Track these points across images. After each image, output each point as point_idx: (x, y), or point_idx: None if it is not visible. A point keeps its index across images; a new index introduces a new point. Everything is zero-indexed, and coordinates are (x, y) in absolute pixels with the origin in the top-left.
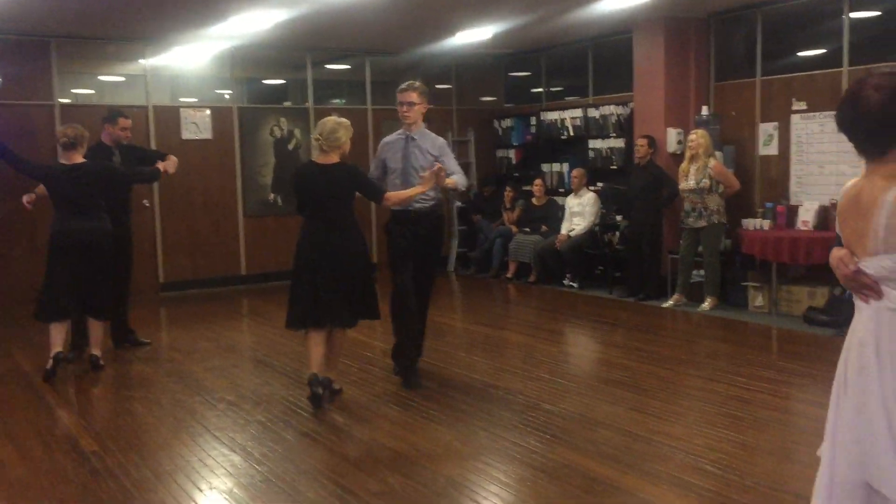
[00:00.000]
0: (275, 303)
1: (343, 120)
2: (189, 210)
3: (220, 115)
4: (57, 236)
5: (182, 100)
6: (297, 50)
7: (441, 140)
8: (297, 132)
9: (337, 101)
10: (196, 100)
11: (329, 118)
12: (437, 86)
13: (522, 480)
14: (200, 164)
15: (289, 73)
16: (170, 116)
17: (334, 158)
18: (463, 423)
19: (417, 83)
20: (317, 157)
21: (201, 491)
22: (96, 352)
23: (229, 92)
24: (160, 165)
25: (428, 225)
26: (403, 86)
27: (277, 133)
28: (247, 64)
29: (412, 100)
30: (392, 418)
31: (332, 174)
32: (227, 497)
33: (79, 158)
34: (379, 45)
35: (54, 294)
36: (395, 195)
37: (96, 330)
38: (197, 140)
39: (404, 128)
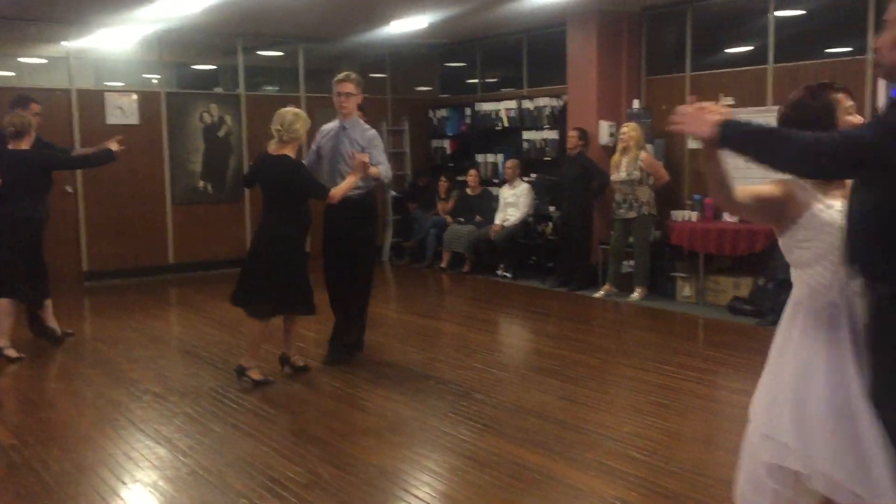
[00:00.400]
0: (204, 292)
1: (301, 112)
2: (114, 197)
3: (147, 99)
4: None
5: (107, 84)
6: (228, 35)
7: (373, 132)
8: (228, 119)
9: (270, 88)
10: (122, 84)
11: (288, 109)
12: (372, 75)
13: (453, 469)
14: (126, 151)
15: (220, 58)
16: (94, 100)
17: (286, 150)
18: (394, 413)
19: (353, 74)
20: (273, 147)
21: (125, 484)
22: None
23: (157, 76)
24: (110, 144)
25: (357, 214)
26: (340, 76)
27: (207, 119)
28: (176, 48)
29: (349, 90)
30: (323, 408)
31: (278, 165)
32: (151, 490)
33: (24, 146)
34: (312, 32)
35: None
36: (337, 191)
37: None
38: (123, 125)
39: (339, 117)
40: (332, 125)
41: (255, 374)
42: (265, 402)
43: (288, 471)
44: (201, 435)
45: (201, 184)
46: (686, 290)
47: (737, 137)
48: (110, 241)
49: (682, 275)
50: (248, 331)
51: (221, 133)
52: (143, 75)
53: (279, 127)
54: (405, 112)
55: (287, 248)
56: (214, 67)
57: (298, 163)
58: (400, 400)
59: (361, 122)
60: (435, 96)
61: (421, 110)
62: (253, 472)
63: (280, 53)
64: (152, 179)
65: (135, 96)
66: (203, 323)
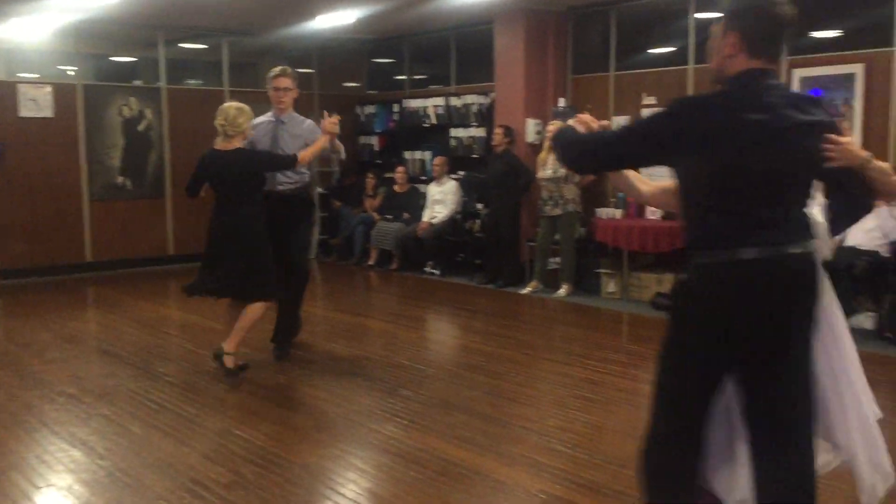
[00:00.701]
0: (124, 291)
1: (243, 105)
2: (27, 193)
3: (62, 92)
4: None
5: (20, 75)
6: (148, 27)
7: (309, 121)
8: (148, 113)
9: (193, 81)
10: (37, 75)
11: (230, 104)
12: (299, 69)
13: (380, 466)
14: (40, 144)
15: (140, 50)
16: (5, 92)
17: (236, 143)
18: (320, 411)
19: (289, 69)
20: (220, 143)
21: (38, 488)
22: None
23: (74, 68)
24: None
25: (295, 207)
26: (276, 71)
27: (127, 113)
28: (93, 39)
29: (287, 85)
30: (246, 407)
31: (235, 159)
32: (66, 493)
33: None
34: (236, 25)
35: None
36: (305, 154)
37: None
38: (37, 118)
39: (275, 112)
40: (262, 119)
41: (230, 362)
42: (186, 402)
43: (210, 471)
44: (119, 437)
45: (120, 179)
46: (611, 286)
47: (556, 144)
48: (23, 238)
49: (606, 271)
50: (251, 314)
51: (142, 127)
52: (59, 67)
53: (223, 122)
54: (332, 108)
55: (257, 236)
56: (134, 60)
57: (251, 150)
58: (326, 398)
59: (296, 115)
60: (362, 92)
61: (348, 106)
62: (173, 474)
63: (203, 46)
64: (68, 175)
65: (49, 88)
66: (122, 322)
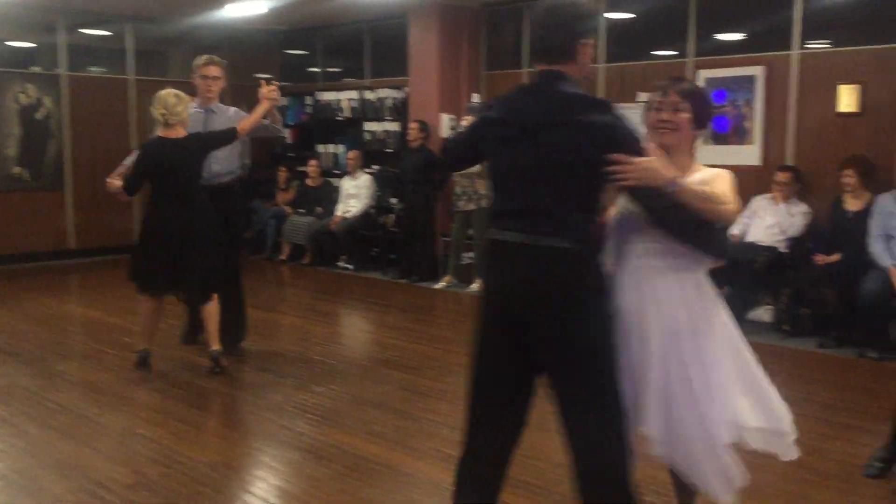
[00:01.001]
0: (20, 286)
1: (180, 93)
2: None
3: None
4: None
5: None
6: (46, 10)
7: (234, 108)
8: (46, 100)
9: (95, 69)
10: None
11: (167, 91)
12: None
13: (290, 463)
14: None
15: (38, 35)
16: None
17: (181, 132)
18: (230, 409)
19: (217, 57)
20: (163, 132)
21: None
22: None
23: None
24: None
25: (226, 202)
26: (204, 59)
27: (24, 100)
28: None
29: (216, 74)
30: (151, 406)
31: (188, 146)
32: None
33: None
34: (141, 11)
35: None
36: (245, 123)
37: None
38: None
39: (202, 101)
40: (191, 110)
41: (225, 360)
42: (88, 401)
43: (112, 472)
44: (14, 438)
45: (17, 170)
46: None
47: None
48: None
49: None
50: (215, 310)
51: (40, 115)
52: None
53: (163, 111)
54: (244, 99)
55: (215, 230)
56: (32, 45)
57: (200, 133)
58: (236, 395)
59: (222, 105)
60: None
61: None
62: (73, 475)
63: (107, 33)
64: None
65: None
66: (16, 318)
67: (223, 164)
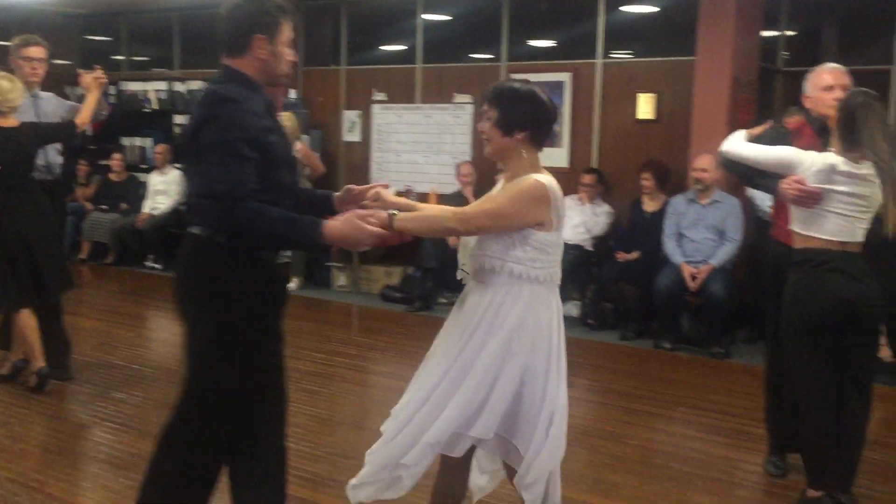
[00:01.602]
0: None
1: (15, 78)
2: None
3: None
4: None
5: None
6: None
7: (52, 94)
8: None
9: None
10: None
11: (1, 75)
12: None
13: (88, 475)
14: None
15: None
16: None
17: (13, 121)
18: (20, 420)
19: (37, 37)
20: None
21: None
22: None
23: None
24: None
25: (52, 200)
26: (25, 39)
27: None
28: None
29: (42, 56)
30: None
31: (23, 136)
32: None
33: None
34: None
35: None
36: (84, 116)
37: None
38: None
39: (25, 86)
40: None
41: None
42: None
43: None
44: None
45: None
46: (341, 279)
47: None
48: None
49: (337, 264)
50: (31, 328)
51: None
52: None
53: None
54: (38, 87)
55: (55, 225)
56: None
57: (28, 124)
58: (27, 405)
59: (41, 91)
60: (73, 71)
61: (57, 86)
62: None
63: None
64: None
65: None
66: None
67: (54, 159)
